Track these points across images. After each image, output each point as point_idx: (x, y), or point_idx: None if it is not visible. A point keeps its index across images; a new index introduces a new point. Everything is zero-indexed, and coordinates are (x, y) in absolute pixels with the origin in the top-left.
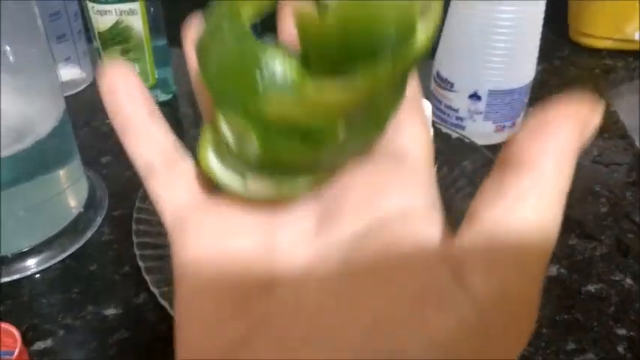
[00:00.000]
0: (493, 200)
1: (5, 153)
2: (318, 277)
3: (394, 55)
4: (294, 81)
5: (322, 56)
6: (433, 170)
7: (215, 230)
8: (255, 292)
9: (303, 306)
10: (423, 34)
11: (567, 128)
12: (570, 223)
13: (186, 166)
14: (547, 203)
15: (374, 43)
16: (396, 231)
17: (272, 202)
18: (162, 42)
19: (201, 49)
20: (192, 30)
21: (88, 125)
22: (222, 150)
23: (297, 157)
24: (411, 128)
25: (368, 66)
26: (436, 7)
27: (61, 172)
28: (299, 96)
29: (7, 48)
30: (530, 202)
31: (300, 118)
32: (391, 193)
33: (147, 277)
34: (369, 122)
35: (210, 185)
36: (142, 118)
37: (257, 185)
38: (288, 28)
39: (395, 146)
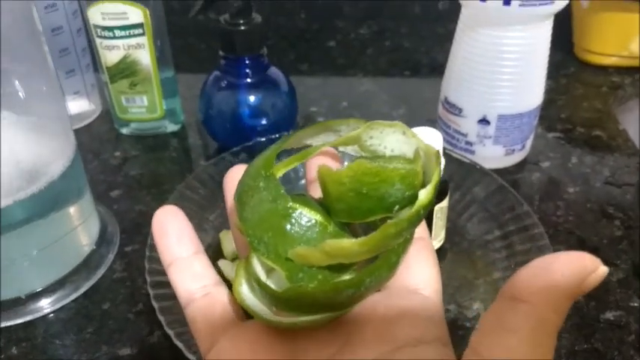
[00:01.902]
0: (491, 334)
1: (19, 196)
2: None
3: (398, 216)
4: (317, 231)
5: (340, 206)
6: (441, 304)
7: (245, 355)
8: None
9: None
10: (423, 198)
11: (567, 274)
12: (585, 248)
13: (222, 296)
14: (539, 338)
15: (381, 200)
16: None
17: (296, 332)
18: (169, 74)
19: (241, 202)
20: (231, 180)
21: (97, 158)
22: (253, 284)
23: (318, 293)
24: (421, 266)
25: (376, 225)
26: (436, 176)
27: (73, 210)
28: (320, 249)
29: (17, 83)
30: (522, 336)
31: (317, 264)
32: (404, 327)
33: (161, 318)
34: (380, 266)
35: (242, 314)
36: (188, 257)
37: (283, 316)
38: (313, 177)
39: (407, 283)
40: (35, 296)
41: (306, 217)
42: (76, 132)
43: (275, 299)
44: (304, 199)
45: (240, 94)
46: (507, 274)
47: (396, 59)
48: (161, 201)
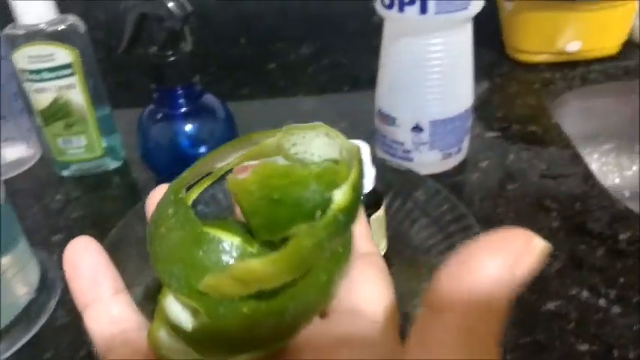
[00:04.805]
0: (416, 351)
1: None
2: None
3: (311, 223)
4: (235, 257)
5: (256, 220)
6: (393, 325)
7: None
8: None
9: None
10: (339, 200)
11: (490, 265)
12: None
13: (144, 343)
14: (470, 349)
15: (297, 206)
16: None
17: None
18: (105, 111)
19: (150, 235)
20: (153, 204)
21: (37, 203)
22: (172, 328)
23: (232, 329)
24: (367, 285)
25: (288, 237)
26: (354, 174)
27: (6, 260)
28: (228, 275)
29: None
30: (448, 350)
31: (233, 293)
32: (343, 355)
33: None
34: (305, 288)
35: None
36: (105, 298)
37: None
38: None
39: (351, 305)
40: None
41: (220, 241)
42: (16, 178)
43: (190, 342)
44: (224, 222)
45: (176, 124)
46: None
47: (336, 76)
48: (103, 241)
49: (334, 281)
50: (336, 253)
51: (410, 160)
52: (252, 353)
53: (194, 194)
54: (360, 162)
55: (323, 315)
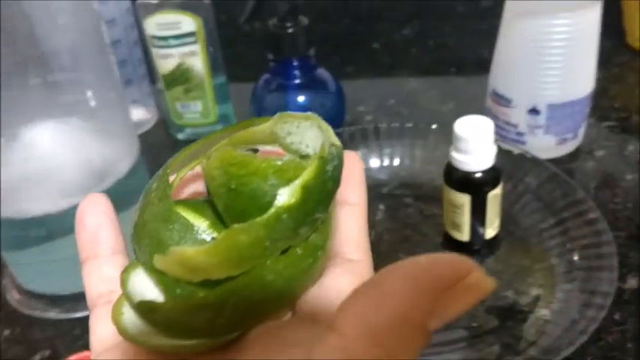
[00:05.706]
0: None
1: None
2: None
3: (254, 218)
4: (199, 240)
5: (219, 206)
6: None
7: None
8: None
9: None
10: (285, 198)
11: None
12: None
13: None
14: None
15: (253, 199)
16: None
17: (175, 357)
18: (222, 79)
19: (138, 204)
20: None
21: (155, 163)
22: (130, 302)
23: (170, 312)
24: (337, 294)
25: (229, 229)
26: (309, 172)
27: None
28: (171, 256)
29: (90, 94)
30: None
31: (181, 277)
32: (285, 354)
33: None
34: (247, 285)
35: None
36: (102, 256)
37: (161, 340)
38: None
39: (312, 310)
40: None
41: (186, 222)
42: None
43: (156, 319)
44: (201, 205)
45: (289, 94)
46: (564, 260)
47: (441, 57)
48: None
49: (290, 283)
50: (293, 255)
51: (523, 143)
52: (198, 340)
53: (183, 172)
54: (324, 161)
55: (294, 313)
